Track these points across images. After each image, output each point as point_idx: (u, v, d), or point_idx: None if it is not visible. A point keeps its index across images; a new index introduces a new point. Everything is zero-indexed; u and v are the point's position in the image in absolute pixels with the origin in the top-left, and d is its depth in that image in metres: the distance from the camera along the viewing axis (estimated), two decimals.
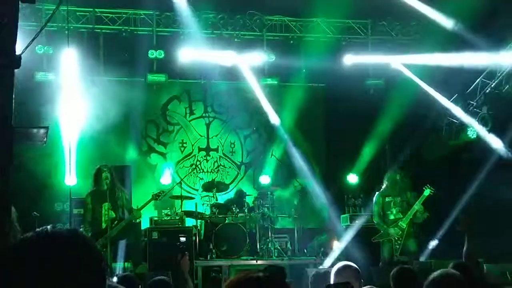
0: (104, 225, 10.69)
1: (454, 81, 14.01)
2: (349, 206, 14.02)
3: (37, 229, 1.71)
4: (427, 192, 11.36)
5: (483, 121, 14.07)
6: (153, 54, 14.27)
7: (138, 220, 11.49)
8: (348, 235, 12.50)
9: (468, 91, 14.34)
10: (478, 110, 14.25)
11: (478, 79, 14.06)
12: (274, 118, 15.15)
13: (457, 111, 14.16)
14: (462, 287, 3.49)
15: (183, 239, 11.83)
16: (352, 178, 14.77)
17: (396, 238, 11.27)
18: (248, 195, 13.61)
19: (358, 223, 12.66)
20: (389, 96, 14.79)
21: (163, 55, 14.31)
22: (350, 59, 14.98)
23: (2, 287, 1.61)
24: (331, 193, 14.84)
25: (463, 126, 14.48)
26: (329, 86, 15.61)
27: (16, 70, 6.66)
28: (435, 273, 3.54)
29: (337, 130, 14.99)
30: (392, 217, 11.42)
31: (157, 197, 11.60)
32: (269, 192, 13.31)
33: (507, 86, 13.67)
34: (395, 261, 11.06)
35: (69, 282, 1.61)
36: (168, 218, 12.67)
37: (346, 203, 14.10)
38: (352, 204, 14.05)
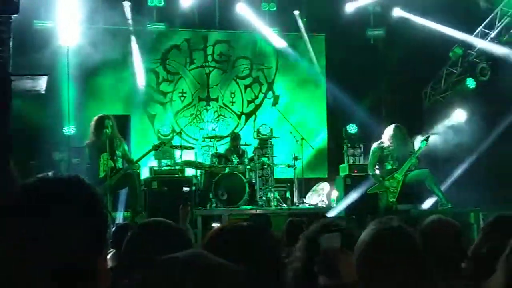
0: (102, 175, 10.73)
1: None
2: (349, 156, 14.08)
3: (39, 175, 1.70)
4: (423, 144, 11.40)
5: (482, 72, 14.10)
6: (152, 2, 14.15)
7: (137, 171, 11.54)
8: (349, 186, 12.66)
9: (468, 40, 14.29)
10: (477, 60, 14.27)
11: (479, 29, 13.99)
12: (279, 42, 15.13)
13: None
14: (454, 231, 3.50)
15: (186, 188, 11.90)
16: (352, 128, 14.76)
17: (392, 189, 11.32)
18: (248, 144, 13.57)
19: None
20: (390, 46, 14.74)
21: (163, 3, 14.20)
22: (352, 6, 14.88)
23: (5, 233, 1.61)
24: (332, 142, 15.02)
25: (462, 76, 14.52)
26: (330, 35, 15.54)
27: (14, 17, 6.61)
28: (428, 219, 3.55)
29: (337, 80, 14.93)
30: (389, 167, 11.44)
31: (157, 148, 11.61)
32: (269, 142, 13.32)
33: (506, 36, 13.63)
34: (393, 210, 11.15)
35: (72, 226, 1.61)
36: (168, 168, 12.70)
37: (346, 152, 14.16)
38: (351, 154, 14.11)
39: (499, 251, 3.79)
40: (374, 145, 11.64)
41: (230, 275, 1.51)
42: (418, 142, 11.71)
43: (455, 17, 13.68)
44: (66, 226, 1.61)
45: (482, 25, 13.89)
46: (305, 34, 15.31)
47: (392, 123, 11.76)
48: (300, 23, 15.23)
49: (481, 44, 13.88)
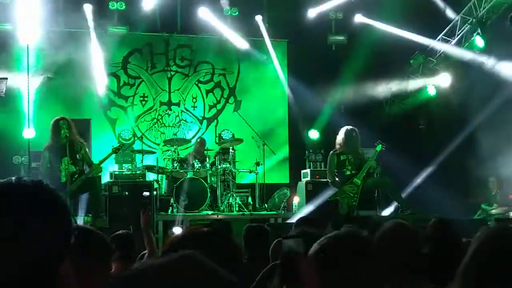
0: (64, 179, 10.59)
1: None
2: (310, 162, 14.13)
3: (1, 180, 1.67)
4: (379, 147, 11.48)
5: (442, 79, 14.31)
6: (113, 5, 14.04)
7: (98, 174, 11.43)
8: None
9: (428, 48, 14.48)
10: (438, 68, 14.45)
11: (439, 36, 14.18)
12: (243, 44, 15.11)
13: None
14: (413, 236, 3.53)
15: (146, 193, 11.83)
16: (313, 134, 14.83)
17: (352, 195, 11.35)
18: (209, 150, 13.56)
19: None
20: (352, 52, 14.85)
21: (124, 6, 14.09)
22: (314, 12, 14.96)
23: None
24: (293, 148, 15.08)
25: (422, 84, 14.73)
26: (292, 41, 15.59)
27: None
28: (386, 223, 3.58)
29: (299, 86, 15.00)
30: (348, 173, 11.47)
31: (117, 151, 11.52)
32: (230, 147, 13.32)
33: (467, 43, 13.81)
34: (354, 216, 11.19)
35: (36, 231, 1.59)
36: (129, 172, 12.61)
37: (307, 158, 14.21)
38: (313, 159, 14.16)
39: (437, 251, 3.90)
40: (330, 153, 11.67)
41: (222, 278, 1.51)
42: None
43: (417, 24, 13.86)
44: (31, 231, 1.58)
45: (443, 32, 14.07)
46: (267, 40, 15.31)
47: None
48: (262, 28, 15.22)
49: (446, 48, 14.05)
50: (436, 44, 14.21)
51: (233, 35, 14.97)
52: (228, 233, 2.29)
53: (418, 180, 13.57)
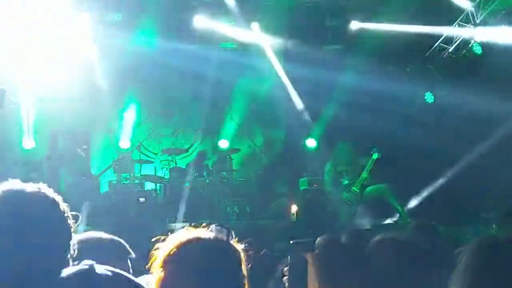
0: (63, 190, 10.62)
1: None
2: (308, 170, 14.11)
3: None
4: (375, 156, 11.50)
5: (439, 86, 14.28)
6: None
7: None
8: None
9: (426, 54, 14.42)
10: (435, 75, 14.41)
11: (436, 44, 14.14)
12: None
13: None
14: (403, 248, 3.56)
15: (142, 199, 11.87)
16: (311, 143, 14.77)
17: (351, 203, 11.38)
18: (208, 159, 13.59)
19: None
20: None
21: None
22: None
23: None
24: (290, 156, 15.00)
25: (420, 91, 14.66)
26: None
27: None
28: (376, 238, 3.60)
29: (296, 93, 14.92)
30: (346, 182, 11.51)
31: (117, 163, 11.57)
32: (227, 156, 13.33)
33: (464, 50, 13.77)
34: (353, 225, 11.21)
35: (36, 235, 1.62)
36: (127, 182, 12.61)
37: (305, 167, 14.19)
38: (310, 168, 14.14)
39: None
40: (328, 163, 11.73)
41: None
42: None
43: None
44: (27, 235, 1.74)
45: (440, 40, 14.02)
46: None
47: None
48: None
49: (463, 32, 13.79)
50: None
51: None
52: (229, 238, 2.29)
53: (421, 188, 13.42)
